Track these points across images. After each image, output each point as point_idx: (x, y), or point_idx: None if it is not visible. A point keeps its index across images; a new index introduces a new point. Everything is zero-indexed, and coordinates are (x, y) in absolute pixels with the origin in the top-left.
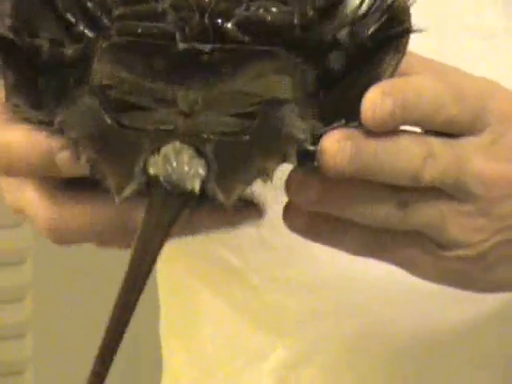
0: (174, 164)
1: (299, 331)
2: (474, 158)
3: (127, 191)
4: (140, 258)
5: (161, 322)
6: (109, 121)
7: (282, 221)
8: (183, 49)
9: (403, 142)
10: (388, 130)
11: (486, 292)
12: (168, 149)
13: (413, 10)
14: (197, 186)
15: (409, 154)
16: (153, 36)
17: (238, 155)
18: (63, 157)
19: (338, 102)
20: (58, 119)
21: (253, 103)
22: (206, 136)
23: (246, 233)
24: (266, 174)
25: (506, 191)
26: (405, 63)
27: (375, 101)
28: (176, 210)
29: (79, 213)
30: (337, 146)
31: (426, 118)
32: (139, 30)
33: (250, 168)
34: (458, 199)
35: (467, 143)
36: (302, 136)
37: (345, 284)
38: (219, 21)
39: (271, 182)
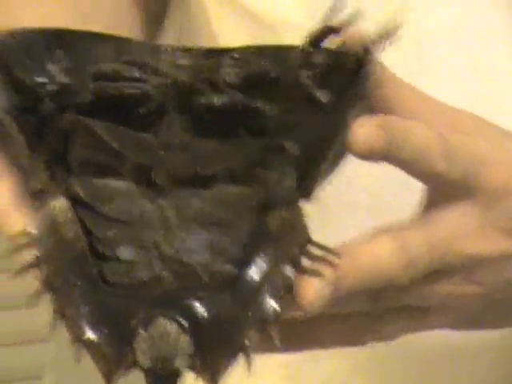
0: (163, 352)
1: None
2: (460, 239)
3: (116, 378)
4: None
5: None
6: (95, 280)
7: None
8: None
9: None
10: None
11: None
12: (154, 331)
13: (440, 8)
14: (185, 365)
15: (386, 262)
16: (127, 97)
17: (220, 325)
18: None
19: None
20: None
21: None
22: (187, 302)
23: None
24: (246, 353)
25: (494, 267)
26: (400, 99)
27: (370, 131)
28: None
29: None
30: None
31: (411, 164)
32: (113, 91)
33: (233, 341)
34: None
35: (452, 219)
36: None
37: None
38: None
39: (250, 356)
